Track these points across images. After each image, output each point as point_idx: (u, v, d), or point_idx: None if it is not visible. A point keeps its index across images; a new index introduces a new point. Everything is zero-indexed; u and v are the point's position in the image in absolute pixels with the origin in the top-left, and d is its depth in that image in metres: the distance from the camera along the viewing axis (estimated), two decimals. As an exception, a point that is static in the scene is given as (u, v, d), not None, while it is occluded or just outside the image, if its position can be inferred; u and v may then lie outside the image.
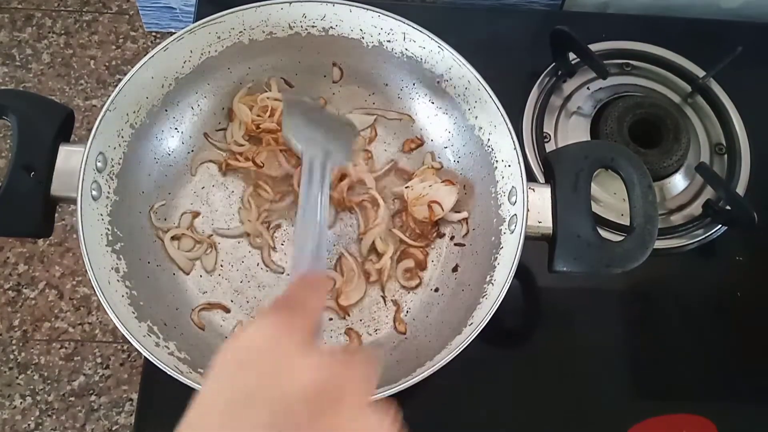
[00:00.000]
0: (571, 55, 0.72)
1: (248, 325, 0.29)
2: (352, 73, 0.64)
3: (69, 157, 0.52)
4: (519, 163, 0.54)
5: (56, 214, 0.53)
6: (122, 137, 0.56)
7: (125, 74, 0.54)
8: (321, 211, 0.39)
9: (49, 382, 1.26)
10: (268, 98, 0.63)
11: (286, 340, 0.28)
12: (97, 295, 0.48)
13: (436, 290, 0.60)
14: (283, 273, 0.60)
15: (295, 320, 0.30)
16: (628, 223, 0.52)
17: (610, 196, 0.68)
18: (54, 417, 1.24)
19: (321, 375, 0.27)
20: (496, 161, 0.57)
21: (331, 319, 0.59)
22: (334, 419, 0.26)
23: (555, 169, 0.53)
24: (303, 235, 0.38)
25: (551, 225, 0.52)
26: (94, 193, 0.52)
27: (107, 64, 1.49)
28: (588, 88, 0.73)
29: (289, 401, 0.26)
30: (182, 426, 0.26)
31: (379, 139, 0.65)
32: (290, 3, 0.58)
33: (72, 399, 1.25)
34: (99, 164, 0.53)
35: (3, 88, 1.44)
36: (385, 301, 0.60)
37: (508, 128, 0.55)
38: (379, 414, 0.27)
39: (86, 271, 0.49)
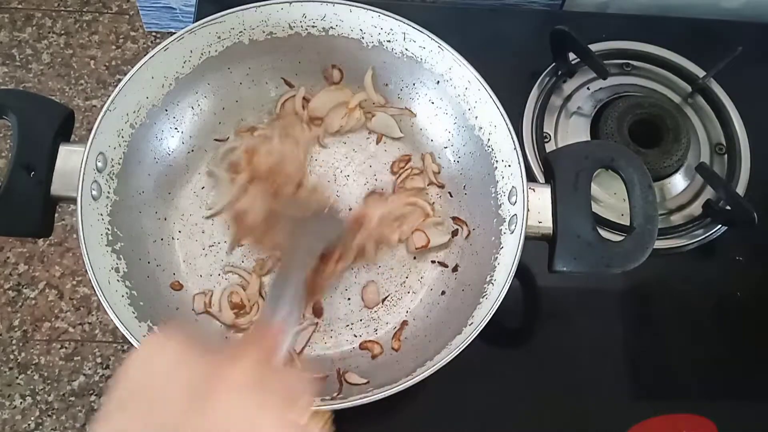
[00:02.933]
0: (571, 55, 0.72)
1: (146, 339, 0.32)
2: (353, 74, 0.64)
3: (69, 157, 0.52)
4: (519, 163, 0.54)
5: (56, 214, 0.53)
6: (122, 137, 0.56)
7: (125, 74, 0.54)
8: (294, 304, 0.42)
9: (49, 382, 1.26)
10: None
11: (169, 349, 0.30)
12: (97, 295, 0.48)
13: (436, 290, 0.61)
14: None
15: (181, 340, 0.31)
16: (628, 223, 0.52)
17: (610, 196, 0.68)
18: (54, 417, 1.24)
19: (195, 373, 0.29)
20: (496, 161, 0.57)
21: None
22: (210, 412, 0.27)
23: (555, 169, 0.53)
24: (278, 289, 0.42)
25: (551, 225, 0.52)
26: (94, 192, 0.52)
27: (107, 64, 1.49)
28: (588, 88, 0.73)
29: (162, 394, 0.28)
30: None
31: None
32: (290, 3, 0.58)
33: (72, 399, 1.25)
34: (99, 164, 0.53)
35: (3, 87, 1.44)
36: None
37: (508, 128, 0.55)
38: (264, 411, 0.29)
39: (86, 271, 0.49)
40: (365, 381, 0.54)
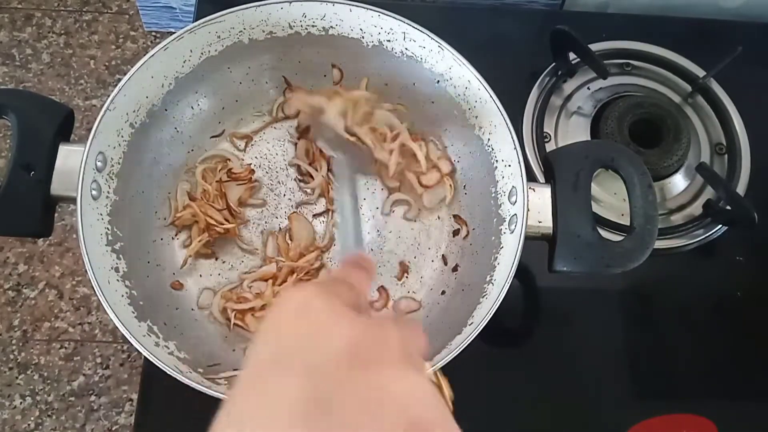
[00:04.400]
0: (572, 55, 0.72)
1: (287, 293, 0.29)
2: (352, 73, 0.64)
3: (69, 157, 0.52)
4: (519, 162, 0.54)
5: (56, 214, 0.53)
6: (122, 137, 0.56)
7: (125, 74, 0.54)
8: (354, 211, 0.43)
9: (49, 382, 1.26)
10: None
11: (321, 303, 0.27)
12: (96, 295, 0.48)
13: (436, 290, 0.60)
14: None
15: (333, 289, 0.29)
16: (628, 223, 0.52)
17: (610, 196, 0.68)
18: (54, 417, 1.24)
19: (357, 334, 0.26)
20: (496, 161, 0.57)
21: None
22: (373, 375, 0.25)
23: (555, 168, 0.53)
24: (343, 232, 0.42)
25: (551, 225, 0.52)
26: (93, 192, 0.52)
27: (107, 63, 1.49)
28: (588, 88, 0.73)
29: (325, 358, 0.25)
30: (228, 397, 0.25)
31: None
32: (290, 2, 0.58)
33: (72, 399, 1.25)
34: (99, 164, 0.53)
35: (3, 87, 1.44)
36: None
37: (509, 128, 0.55)
38: (423, 377, 0.26)
39: (86, 270, 0.49)
40: None
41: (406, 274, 0.61)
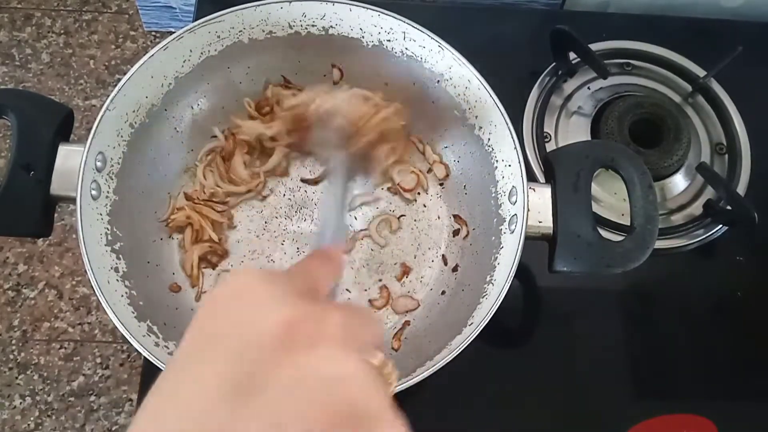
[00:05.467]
0: (572, 55, 0.72)
1: (229, 276, 0.27)
2: (352, 73, 0.64)
3: (68, 157, 0.52)
4: (519, 162, 0.54)
5: (56, 214, 0.53)
6: (122, 137, 0.56)
7: (125, 74, 0.54)
8: (339, 208, 0.42)
9: (48, 382, 1.26)
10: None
11: (262, 286, 0.26)
12: (96, 295, 0.48)
13: (436, 290, 0.60)
14: None
15: (283, 277, 0.28)
16: (628, 223, 0.52)
17: (610, 196, 0.68)
18: (54, 417, 1.24)
19: (295, 317, 0.24)
20: (497, 161, 0.57)
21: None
22: (303, 357, 0.23)
23: (555, 168, 0.53)
24: (323, 225, 0.41)
25: (551, 225, 0.52)
26: (93, 192, 0.52)
27: (107, 63, 1.49)
28: (588, 88, 0.73)
29: (256, 339, 0.24)
30: (159, 377, 0.24)
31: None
32: (290, 2, 0.58)
33: (72, 399, 1.25)
34: (98, 164, 0.53)
35: (2, 87, 1.44)
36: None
37: (509, 128, 0.55)
38: (364, 363, 0.24)
39: (86, 271, 0.49)
40: None
41: (406, 275, 0.61)
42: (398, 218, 0.63)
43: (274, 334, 0.24)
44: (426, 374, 0.48)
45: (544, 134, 0.71)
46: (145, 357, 0.48)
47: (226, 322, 0.25)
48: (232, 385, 0.22)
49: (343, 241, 0.40)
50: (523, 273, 0.63)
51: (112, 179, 0.55)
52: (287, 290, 0.26)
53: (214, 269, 0.60)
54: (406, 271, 0.61)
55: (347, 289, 0.60)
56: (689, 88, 0.74)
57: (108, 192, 0.54)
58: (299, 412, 0.22)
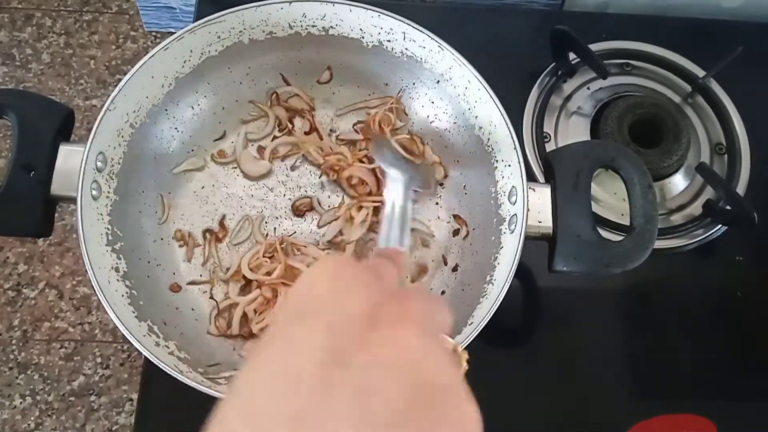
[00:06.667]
0: (571, 55, 0.72)
1: (321, 260, 0.30)
2: (352, 73, 0.64)
3: (69, 157, 0.52)
4: (519, 162, 0.54)
5: (56, 214, 0.53)
6: (122, 137, 0.56)
7: (125, 74, 0.54)
8: (402, 212, 0.44)
9: (49, 382, 1.26)
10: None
11: (351, 271, 0.28)
12: (96, 295, 0.48)
13: (436, 290, 0.60)
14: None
15: (364, 266, 0.30)
16: (628, 223, 0.52)
17: (610, 196, 0.68)
18: (54, 417, 1.24)
19: (381, 298, 0.27)
20: (496, 161, 0.57)
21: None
22: (388, 332, 0.25)
23: (555, 168, 0.53)
24: (387, 227, 0.43)
25: (551, 225, 0.52)
26: (94, 192, 0.52)
27: (107, 63, 1.49)
28: (588, 88, 0.73)
29: (347, 316, 0.26)
30: (256, 346, 0.26)
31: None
32: (290, 2, 0.58)
33: (72, 399, 1.25)
34: (99, 164, 0.53)
35: (3, 87, 1.44)
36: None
37: (508, 128, 0.55)
38: (441, 345, 0.27)
39: (86, 270, 0.49)
40: None
41: (424, 274, 0.61)
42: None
43: (363, 313, 0.26)
44: (426, 374, 0.47)
45: (544, 134, 0.71)
46: (145, 357, 0.48)
47: (318, 300, 0.27)
48: (323, 356, 0.24)
49: (404, 244, 0.42)
50: (523, 273, 0.63)
51: (113, 179, 0.55)
52: (370, 276, 0.29)
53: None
54: (423, 270, 0.61)
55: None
56: (689, 88, 0.74)
57: (108, 192, 0.54)
58: (382, 384, 0.23)
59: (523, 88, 0.73)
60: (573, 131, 0.71)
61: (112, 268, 0.52)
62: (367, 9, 0.58)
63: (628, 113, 0.68)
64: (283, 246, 0.60)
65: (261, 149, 0.64)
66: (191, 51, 0.58)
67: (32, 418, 1.24)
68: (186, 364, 0.50)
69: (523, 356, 0.64)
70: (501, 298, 0.49)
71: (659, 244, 0.66)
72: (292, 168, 0.64)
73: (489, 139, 0.58)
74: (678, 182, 0.69)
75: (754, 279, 0.68)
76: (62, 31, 1.51)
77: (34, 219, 0.51)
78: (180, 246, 0.61)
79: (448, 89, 0.60)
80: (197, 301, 0.59)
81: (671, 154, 0.67)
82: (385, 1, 0.59)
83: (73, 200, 0.51)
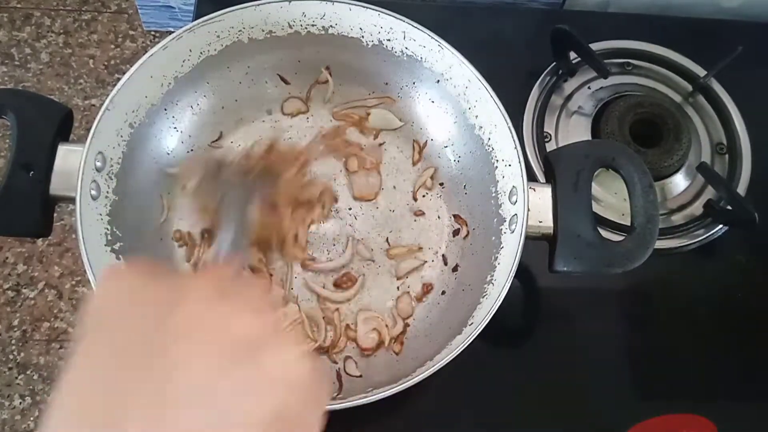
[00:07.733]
0: (572, 55, 0.72)
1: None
2: (352, 72, 0.64)
3: (68, 157, 0.52)
4: (519, 162, 0.54)
5: (55, 214, 0.53)
6: (121, 136, 0.56)
7: (124, 73, 0.54)
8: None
9: (48, 382, 1.26)
10: None
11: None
12: (96, 295, 0.48)
13: (436, 290, 0.60)
14: None
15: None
16: (628, 223, 0.52)
17: (610, 196, 0.68)
18: (53, 417, 1.24)
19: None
20: (497, 161, 0.57)
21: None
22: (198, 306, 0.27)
23: (556, 168, 0.53)
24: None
25: (552, 225, 0.52)
26: (93, 192, 0.52)
27: (106, 63, 1.49)
28: (589, 88, 0.73)
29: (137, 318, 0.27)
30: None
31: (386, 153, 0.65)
32: (290, 2, 0.58)
33: (71, 399, 1.25)
34: (98, 163, 0.53)
35: (2, 87, 1.44)
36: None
37: (509, 127, 0.55)
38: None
39: (85, 270, 0.49)
40: (359, 374, 0.55)
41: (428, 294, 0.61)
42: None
43: (146, 313, 0.27)
44: (426, 374, 0.47)
45: (545, 134, 0.71)
46: (144, 357, 0.48)
47: (102, 315, 0.29)
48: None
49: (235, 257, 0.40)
50: (523, 273, 0.63)
51: (112, 179, 0.55)
52: (149, 275, 0.30)
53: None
54: (427, 290, 0.61)
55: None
56: (689, 87, 0.74)
57: (108, 192, 0.54)
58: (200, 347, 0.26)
59: (523, 88, 0.72)
60: (574, 131, 0.71)
61: (111, 268, 0.52)
62: (367, 8, 0.58)
63: (629, 113, 0.68)
64: None
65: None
66: (190, 50, 0.58)
67: (32, 418, 1.24)
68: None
69: (523, 356, 0.64)
70: (501, 299, 0.49)
71: (660, 244, 0.66)
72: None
73: (489, 138, 0.58)
74: (679, 182, 0.69)
75: (754, 279, 0.68)
76: (61, 31, 1.51)
77: (33, 219, 0.51)
78: (179, 246, 0.60)
79: (448, 89, 0.60)
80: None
81: (672, 154, 0.67)
82: (385, 1, 0.59)
83: (72, 200, 0.51)
